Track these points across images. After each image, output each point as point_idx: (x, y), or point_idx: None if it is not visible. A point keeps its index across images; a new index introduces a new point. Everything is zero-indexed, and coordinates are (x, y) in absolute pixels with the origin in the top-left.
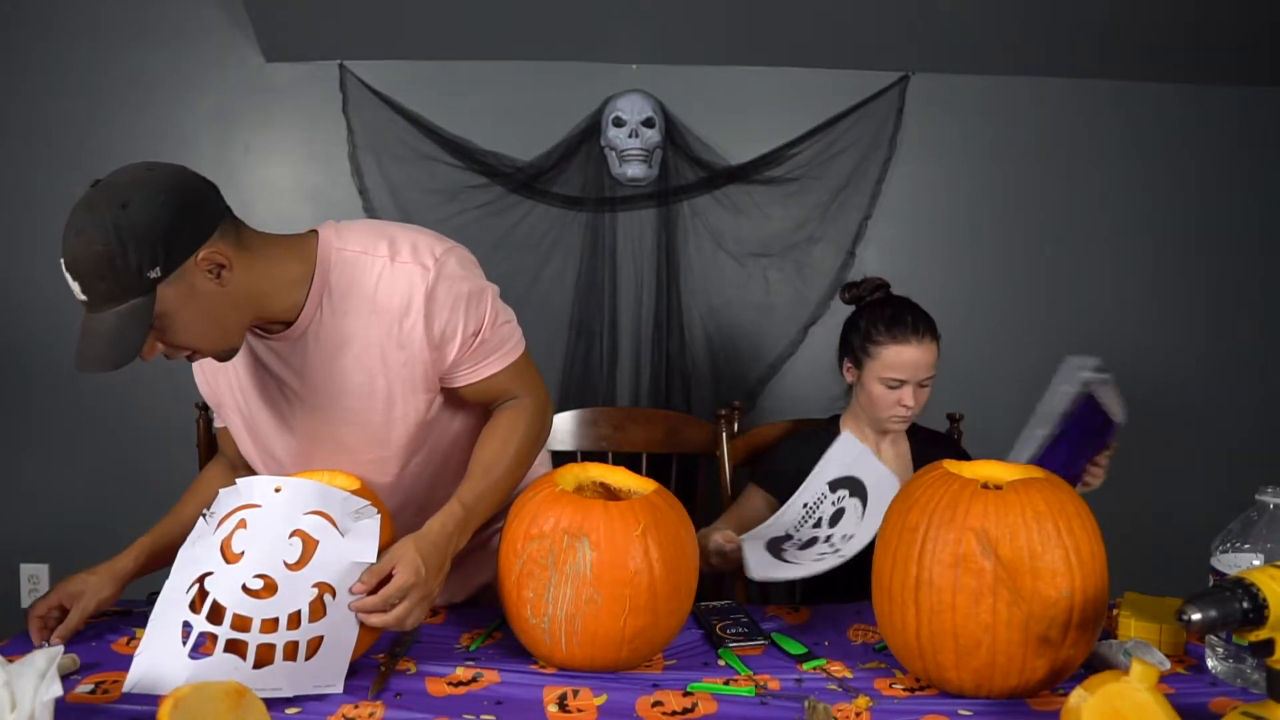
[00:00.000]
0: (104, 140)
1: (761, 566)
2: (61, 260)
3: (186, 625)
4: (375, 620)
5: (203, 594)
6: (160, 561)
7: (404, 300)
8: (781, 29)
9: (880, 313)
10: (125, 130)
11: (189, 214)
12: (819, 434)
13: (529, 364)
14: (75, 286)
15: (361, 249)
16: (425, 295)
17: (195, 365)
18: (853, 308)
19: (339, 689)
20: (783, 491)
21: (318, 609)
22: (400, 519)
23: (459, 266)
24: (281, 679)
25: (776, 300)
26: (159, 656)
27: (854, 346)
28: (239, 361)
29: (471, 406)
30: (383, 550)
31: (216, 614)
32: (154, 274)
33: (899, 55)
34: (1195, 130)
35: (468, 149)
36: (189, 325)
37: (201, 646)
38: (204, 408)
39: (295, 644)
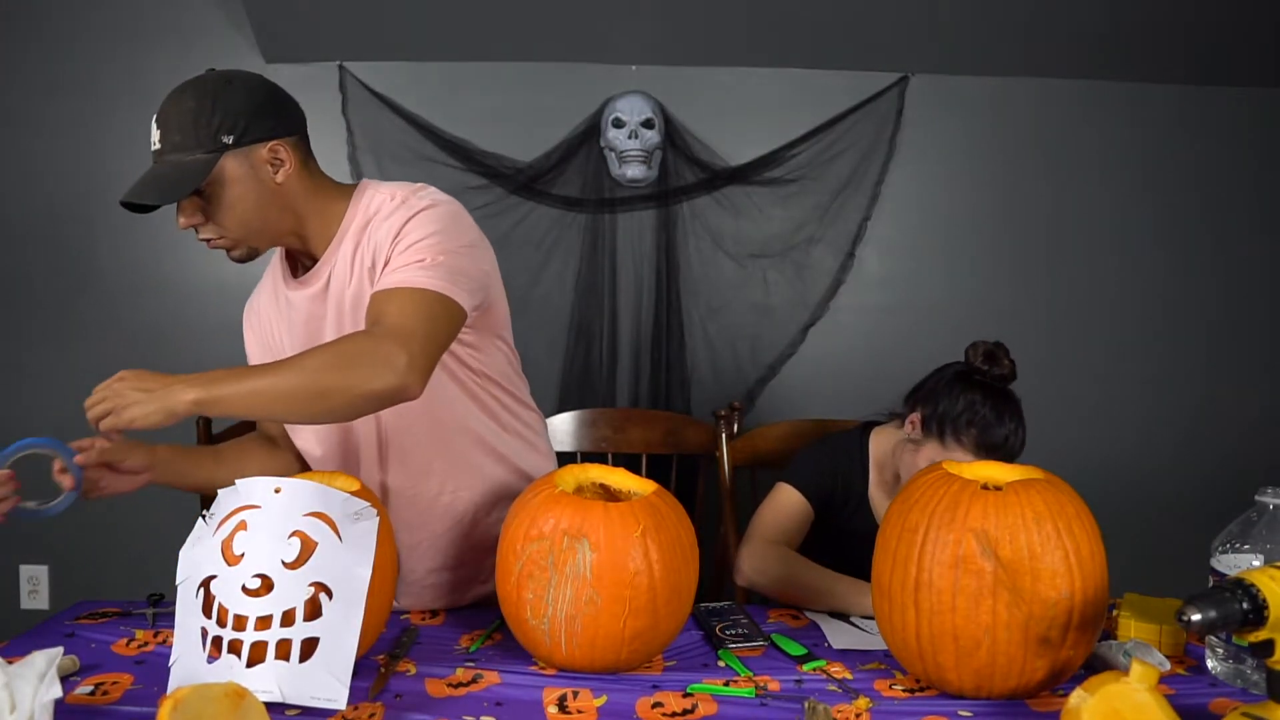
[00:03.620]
0: (103, 141)
1: (841, 638)
2: (154, 117)
3: (204, 630)
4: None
5: (210, 598)
6: (177, 468)
7: (391, 227)
8: (781, 29)
9: (982, 413)
10: (124, 130)
11: (279, 110)
12: (849, 445)
13: (419, 308)
14: (155, 135)
15: (380, 190)
16: (403, 219)
17: (246, 324)
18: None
19: (341, 705)
20: (818, 495)
21: (313, 609)
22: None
23: (441, 212)
24: (273, 680)
25: (776, 301)
26: (191, 664)
27: (937, 413)
28: (282, 320)
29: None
30: None
31: (222, 617)
32: (227, 140)
33: (899, 56)
34: (1196, 131)
35: (467, 150)
36: (234, 204)
37: (212, 650)
38: None
39: (288, 642)
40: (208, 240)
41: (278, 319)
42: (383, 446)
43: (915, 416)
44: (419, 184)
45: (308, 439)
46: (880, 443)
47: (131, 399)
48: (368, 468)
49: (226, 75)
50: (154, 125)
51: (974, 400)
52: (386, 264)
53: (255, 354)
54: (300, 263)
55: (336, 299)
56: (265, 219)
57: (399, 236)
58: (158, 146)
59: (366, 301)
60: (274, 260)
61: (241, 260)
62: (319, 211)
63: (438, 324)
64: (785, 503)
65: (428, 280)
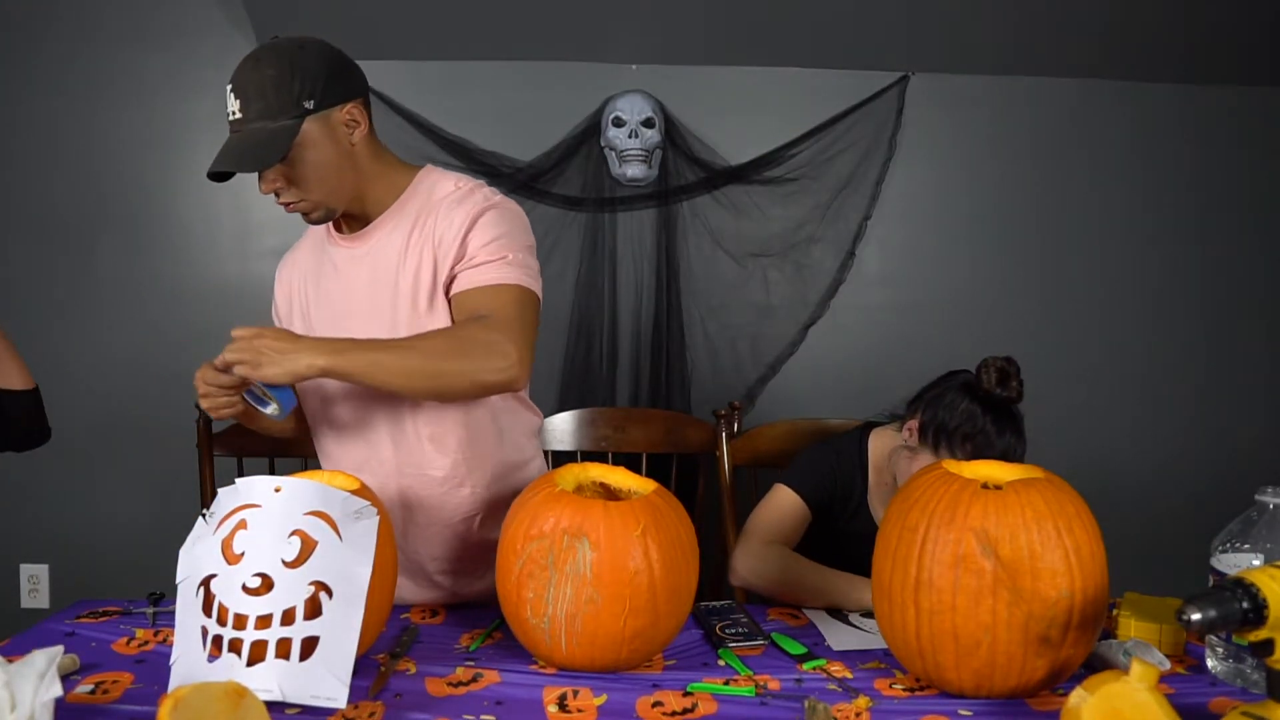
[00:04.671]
0: (105, 141)
1: (840, 639)
2: (229, 85)
3: (204, 629)
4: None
5: (210, 597)
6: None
7: (456, 216)
8: (782, 29)
9: (981, 425)
10: (126, 131)
11: (349, 73)
12: (848, 447)
13: (518, 306)
14: (235, 105)
15: (445, 176)
16: (467, 214)
17: (278, 277)
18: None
19: (342, 703)
20: (816, 497)
21: (313, 608)
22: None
23: (510, 211)
24: (274, 679)
25: (776, 300)
26: (191, 663)
27: (935, 422)
28: (313, 273)
29: None
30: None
31: (222, 616)
32: (309, 104)
33: (899, 55)
34: (1195, 130)
35: (467, 149)
36: (316, 167)
37: (212, 649)
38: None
39: (288, 641)
40: (288, 204)
41: (310, 273)
42: (424, 432)
43: (913, 423)
44: (478, 179)
45: (350, 415)
46: (879, 444)
47: (266, 358)
48: (407, 451)
49: (298, 41)
50: (231, 95)
51: (974, 412)
52: (464, 259)
53: (281, 307)
54: (346, 223)
55: (378, 267)
56: (343, 180)
57: (472, 230)
58: (239, 115)
59: (415, 277)
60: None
61: (319, 222)
62: (382, 176)
63: (532, 319)
64: (782, 504)
65: (517, 277)
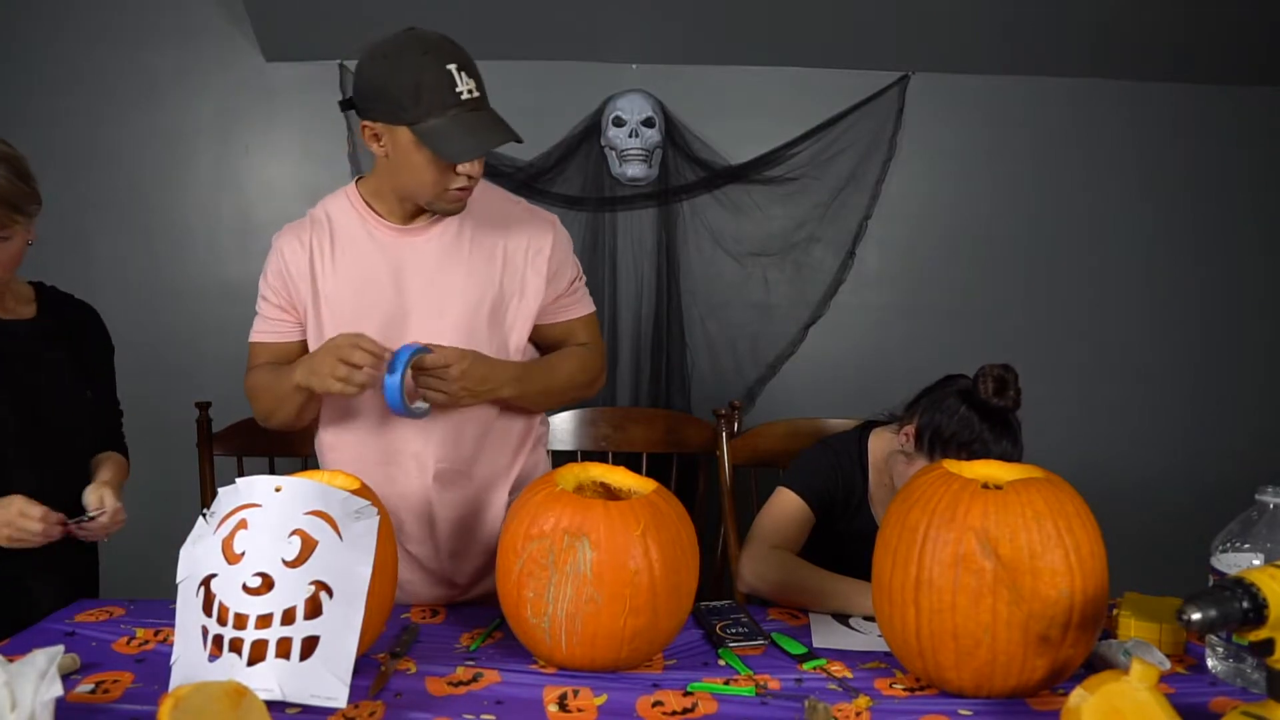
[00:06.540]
0: (107, 140)
1: (824, 634)
2: (451, 65)
3: (204, 629)
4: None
5: (210, 596)
6: None
7: (537, 236)
8: (781, 29)
9: (979, 432)
10: (127, 130)
11: None
12: (848, 447)
13: (597, 329)
14: (471, 83)
15: (487, 184)
16: (553, 239)
17: (280, 250)
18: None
19: (342, 703)
20: (819, 499)
21: (313, 607)
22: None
23: (562, 230)
24: (274, 679)
25: (776, 300)
26: (192, 663)
27: (931, 427)
28: (330, 256)
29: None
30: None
31: (222, 615)
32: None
33: (899, 55)
34: (1194, 129)
35: None
36: None
37: (212, 648)
38: (204, 407)
39: (289, 641)
40: (470, 188)
41: (327, 256)
42: (435, 438)
43: (910, 428)
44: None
45: (376, 421)
46: (879, 445)
47: (464, 391)
48: (415, 456)
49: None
50: (462, 74)
51: (970, 420)
52: (557, 292)
53: (275, 285)
54: (386, 209)
55: (429, 259)
56: None
57: (553, 261)
58: (478, 94)
59: (481, 287)
60: (341, 203)
61: (458, 210)
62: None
63: None
64: (785, 507)
65: (591, 301)
